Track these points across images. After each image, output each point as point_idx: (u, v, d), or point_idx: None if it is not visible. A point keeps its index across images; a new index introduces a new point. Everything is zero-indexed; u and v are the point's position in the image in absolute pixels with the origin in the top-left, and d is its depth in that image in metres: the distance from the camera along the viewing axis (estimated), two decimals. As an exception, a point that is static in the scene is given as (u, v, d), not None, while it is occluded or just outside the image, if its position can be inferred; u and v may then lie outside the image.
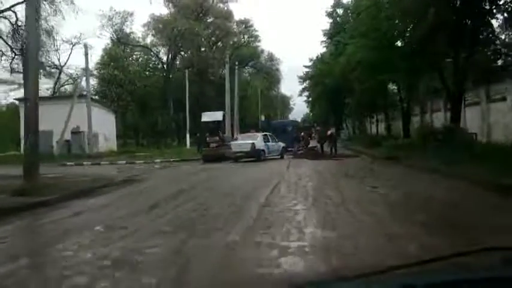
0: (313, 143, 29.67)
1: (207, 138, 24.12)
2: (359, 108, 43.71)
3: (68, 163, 26.31)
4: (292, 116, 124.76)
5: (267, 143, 25.07)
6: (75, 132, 34.51)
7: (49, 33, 28.81)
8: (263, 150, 24.29)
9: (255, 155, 23.57)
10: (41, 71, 32.71)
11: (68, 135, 34.64)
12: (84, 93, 34.12)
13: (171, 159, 26.25)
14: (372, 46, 33.88)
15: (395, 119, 40.67)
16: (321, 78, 57.25)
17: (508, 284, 0.88)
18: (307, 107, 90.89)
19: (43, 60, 31.50)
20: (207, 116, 25.86)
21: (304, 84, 66.62)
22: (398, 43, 32.83)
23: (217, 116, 25.73)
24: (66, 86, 47.56)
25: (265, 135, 26.10)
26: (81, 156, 31.33)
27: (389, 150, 23.72)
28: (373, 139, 35.43)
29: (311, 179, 14.18)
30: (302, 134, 30.26)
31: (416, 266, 1.04)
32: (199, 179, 15.91)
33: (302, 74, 65.48)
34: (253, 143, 23.75)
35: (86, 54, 32.17)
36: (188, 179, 15.83)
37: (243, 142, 24.01)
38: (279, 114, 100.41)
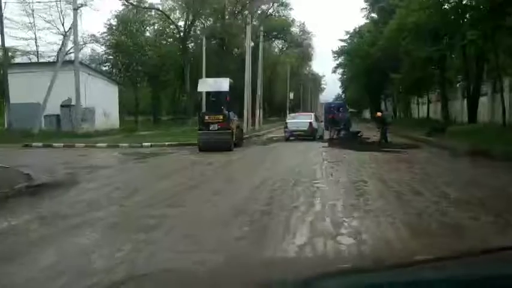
0: (354, 127, 22.21)
1: (205, 117, 16.10)
2: (406, 85, 35.47)
3: (35, 144, 19.70)
4: (323, 98, 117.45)
5: (318, 123, 23.96)
6: (66, 106, 27.86)
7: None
8: (317, 130, 22.66)
9: (312, 135, 21.91)
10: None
11: (57, 109, 28.18)
12: (86, 61, 27.35)
13: (166, 144, 19.20)
14: (431, 5, 26.02)
15: (449, 99, 32.52)
16: (360, 52, 49.08)
17: None
18: (340, 86, 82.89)
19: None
20: (206, 85, 17.51)
21: (339, 60, 58.40)
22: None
23: (220, 84, 16.80)
24: (71, 55, 40.92)
25: (315, 115, 25.71)
26: (69, 135, 24.76)
27: (469, 139, 16.09)
28: (431, 123, 27.52)
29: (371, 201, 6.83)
30: (339, 114, 22.67)
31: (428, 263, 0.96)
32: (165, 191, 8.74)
33: (337, 49, 57.25)
34: (310, 122, 22.44)
35: (75, 9, 25.20)
36: (150, 187, 8.75)
37: (300, 121, 22.68)
38: (310, 94, 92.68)
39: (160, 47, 40.22)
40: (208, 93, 18.41)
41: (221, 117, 15.87)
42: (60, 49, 38.79)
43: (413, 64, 33.20)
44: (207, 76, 41.71)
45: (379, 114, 20.16)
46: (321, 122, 25.66)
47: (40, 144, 19.74)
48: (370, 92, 57.39)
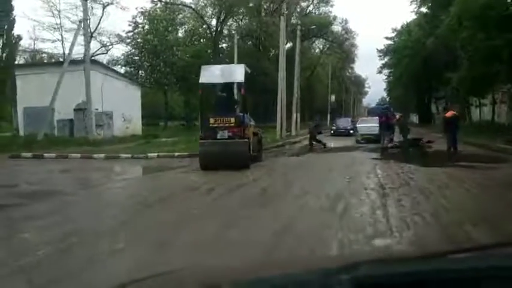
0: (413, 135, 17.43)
1: (211, 120, 11.17)
2: (466, 84, 29.97)
3: (25, 154, 16.20)
4: (366, 101, 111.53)
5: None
6: (80, 109, 24.47)
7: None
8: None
9: (378, 138, 19.97)
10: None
11: (71, 113, 24.98)
12: (105, 62, 23.84)
13: (176, 154, 15.18)
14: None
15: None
16: (408, 51, 43.82)
17: None
18: (385, 89, 77.11)
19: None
20: (211, 74, 11.72)
21: (385, 59, 53.07)
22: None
23: (231, 73, 11.83)
24: (98, 56, 37.91)
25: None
26: (79, 142, 21.38)
27: None
28: (503, 128, 22.30)
29: None
30: (398, 117, 17.90)
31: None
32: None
33: (383, 47, 52.02)
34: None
35: (85, 0, 21.69)
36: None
37: (370, 125, 22.03)
38: (352, 98, 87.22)
39: (190, 47, 36.44)
40: (211, 86, 13.08)
41: (233, 120, 11.09)
42: (86, 51, 35.90)
43: (475, 59, 27.91)
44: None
45: (450, 114, 14.92)
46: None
47: (29, 154, 16.17)
48: (419, 94, 51.80)
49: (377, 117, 19.91)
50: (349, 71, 77.72)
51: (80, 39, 24.88)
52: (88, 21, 24.16)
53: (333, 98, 52.30)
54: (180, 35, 39.82)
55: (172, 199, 7.47)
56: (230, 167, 10.36)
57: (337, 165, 12.08)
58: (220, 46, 40.88)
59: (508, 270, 0.85)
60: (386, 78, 62.79)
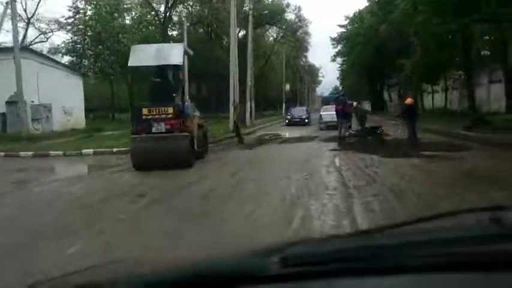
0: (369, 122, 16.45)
1: (143, 110, 9.31)
2: (419, 71, 29.55)
3: None
4: (320, 90, 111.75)
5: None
6: (13, 102, 21.99)
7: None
8: None
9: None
10: None
11: (3, 106, 22.53)
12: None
13: (114, 150, 13.42)
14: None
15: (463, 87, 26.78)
16: (360, 38, 43.35)
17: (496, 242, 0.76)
18: (338, 78, 77.18)
19: None
20: (143, 55, 9.86)
21: (338, 47, 52.53)
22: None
23: (168, 54, 9.84)
24: (37, 45, 34.94)
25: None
26: (11, 137, 19.14)
27: None
28: (458, 114, 21.87)
29: None
30: (355, 104, 16.96)
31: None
32: None
33: (336, 35, 51.42)
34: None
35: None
36: None
37: (333, 113, 20.40)
38: (307, 87, 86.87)
39: (137, 34, 34.09)
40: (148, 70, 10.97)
41: (171, 110, 9.24)
42: (23, 37, 32.88)
43: (429, 46, 27.49)
44: (193, 68, 36.17)
45: (409, 101, 14.11)
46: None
47: None
48: (371, 81, 51.69)
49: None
50: (303, 59, 77.15)
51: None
52: (23, 4, 21.69)
53: (287, 87, 51.31)
54: (127, 21, 37.33)
55: (87, 211, 5.86)
56: (169, 166, 8.70)
57: (294, 159, 10.78)
58: (170, 34, 38.77)
59: (430, 245, 0.80)
60: (339, 67, 62.58)
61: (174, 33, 40.23)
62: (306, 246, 0.91)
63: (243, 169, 9.23)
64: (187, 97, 13.78)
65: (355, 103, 17.80)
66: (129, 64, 9.90)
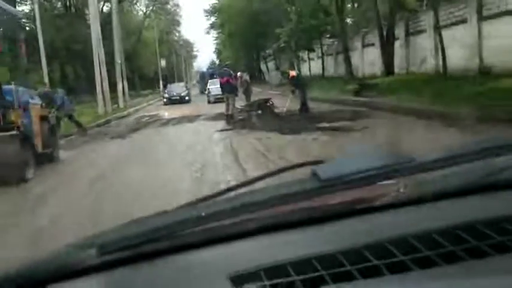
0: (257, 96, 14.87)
1: None
2: (296, 39, 28.85)
3: None
4: (197, 65, 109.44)
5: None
6: None
7: None
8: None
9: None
10: None
11: None
12: None
13: None
14: None
15: (339, 53, 26.83)
16: (232, 9, 41.78)
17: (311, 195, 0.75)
18: (214, 51, 75.64)
19: None
20: None
21: (212, 19, 50.49)
22: None
23: None
24: None
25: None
26: None
27: (432, 98, 10.07)
28: (338, 80, 21.40)
29: None
30: (239, 74, 15.22)
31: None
32: None
33: (209, 7, 49.16)
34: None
35: None
36: None
37: (218, 86, 21.05)
38: (183, 62, 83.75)
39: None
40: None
41: None
42: None
43: (303, 13, 26.86)
44: (54, 48, 31.56)
45: (293, 73, 13.07)
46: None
47: None
48: (248, 53, 50.73)
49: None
50: (177, 34, 74.05)
51: None
52: None
53: (163, 63, 47.99)
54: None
55: None
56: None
57: (179, 148, 8.65)
58: (20, 10, 33.04)
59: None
60: (215, 40, 60.84)
61: (25, 8, 34.43)
62: (123, 231, 0.81)
63: (110, 173, 6.70)
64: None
65: (239, 73, 16.11)
66: None
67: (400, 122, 9.53)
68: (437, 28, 14.65)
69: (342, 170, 0.74)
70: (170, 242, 0.76)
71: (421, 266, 0.66)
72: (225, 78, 12.64)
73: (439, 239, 0.73)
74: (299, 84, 12.76)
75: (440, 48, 14.68)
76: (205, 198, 0.88)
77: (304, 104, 12.58)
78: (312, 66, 33.37)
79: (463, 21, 15.68)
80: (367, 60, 24.91)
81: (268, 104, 12.86)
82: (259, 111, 12.45)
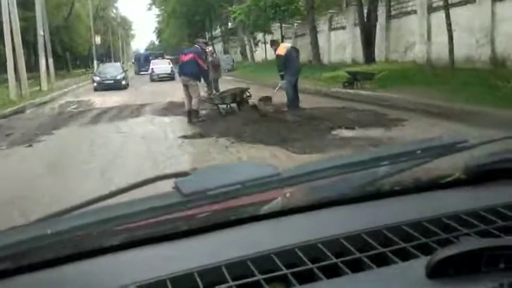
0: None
1: None
2: (253, 19, 24.93)
3: None
4: (135, 46, 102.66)
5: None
6: None
7: None
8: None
9: (173, 76, 23.09)
10: None
11: None
12: None
13: None
14: None
15: (305, 35, 23.55)
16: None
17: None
18: (154, 31, 69.88)
19: None
20: None
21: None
22: None
23: None
24: None
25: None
26: None
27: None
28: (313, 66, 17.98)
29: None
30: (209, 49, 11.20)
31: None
32: None
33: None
34: (171, 67, 26.01)
35: None
36: None
37: (163, 66, 26.77)
38: (121, 41, 76.82)
39: None
40: None
41: None
42: None
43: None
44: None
45: (282, 50, 8.80)
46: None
47: None
48: (193, 34, 46.05)
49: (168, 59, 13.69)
50: (114, 11, 67.50)
51: None
52: None
53: (98, 39, 42.03)
54: None
55: None
56: None
57: (114, 173, 4.75)
58: None
59: None
60: (157, 17, 55.50)
61: None
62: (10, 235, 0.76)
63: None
64: None
65: (210, 48, 12.06)
66: None
67: (456, 129, 6.20)
68: (446, 7, 11.50)
69: (205, 184, 0.71)
70: (26, 259, 0.71)
71: (302, 281, 0.64)
72: (188, 55, 8.42)
73: (324, 249, 0.71)
74: (291, 66, 8.81)
75: (448, 33, 11.51)
76: (66, 211, 0.78)
77: (293, 101, 8.81)
78: (269, 50, 29.67)
79: (469, 1, 12.79)
80: (335, 45, 21.74)
81: (245, 96, 9.02)
82: (234, 106, 8.64)
